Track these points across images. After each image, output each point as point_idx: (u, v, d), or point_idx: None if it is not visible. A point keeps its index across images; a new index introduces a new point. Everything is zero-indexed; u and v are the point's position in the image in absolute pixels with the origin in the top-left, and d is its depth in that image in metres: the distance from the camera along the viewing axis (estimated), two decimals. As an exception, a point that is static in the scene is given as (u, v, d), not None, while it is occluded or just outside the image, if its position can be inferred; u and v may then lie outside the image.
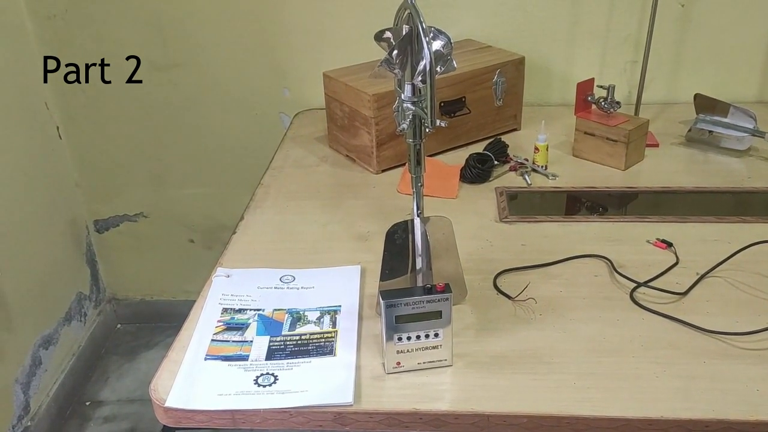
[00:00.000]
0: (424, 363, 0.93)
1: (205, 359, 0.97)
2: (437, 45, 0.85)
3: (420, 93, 0.89)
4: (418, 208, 0.97)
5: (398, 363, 0.92)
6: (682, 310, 1.02)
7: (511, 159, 1.48)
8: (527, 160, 1.47)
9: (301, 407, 0.88)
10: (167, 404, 0.89)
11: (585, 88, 1.47)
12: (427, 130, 0.89)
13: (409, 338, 0.91)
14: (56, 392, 1.85)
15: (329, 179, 1.47)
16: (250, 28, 1.77)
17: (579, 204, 1.36)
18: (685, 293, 1.06)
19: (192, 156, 1.94)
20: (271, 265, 1.17)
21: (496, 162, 1.45)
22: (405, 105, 0.90)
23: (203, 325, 1.04)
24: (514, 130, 1.64)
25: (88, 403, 1.91)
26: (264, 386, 0.91)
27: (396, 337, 0.91)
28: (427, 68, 0.83)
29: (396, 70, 0.88)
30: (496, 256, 1.17)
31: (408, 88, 0.89)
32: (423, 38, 0.82)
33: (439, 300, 0.89)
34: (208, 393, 0.91)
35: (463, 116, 1.53)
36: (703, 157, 1.49)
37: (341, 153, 1.57)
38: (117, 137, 1.92)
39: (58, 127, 1.90)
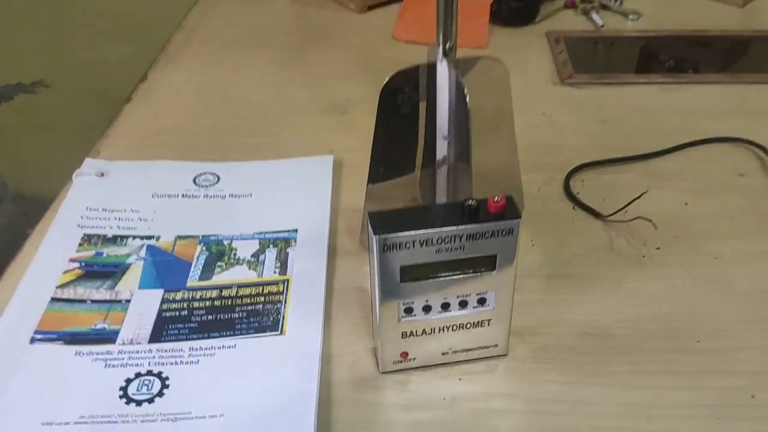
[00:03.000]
0: (454, 352, 0.47)
1: (33, 341, 0.50)
2: None
3: None
4: (446, 40, 0.47)
5: (404, 354, 0.47)
6: None
7: (567, -10, 0.97)
8: (591, -9, 0.96)
9: (205, 455, 0.43)
10: None
11: None
12: None
13: (427, 309, 0.45)
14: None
15: (289, 21, 0.96)
16: None
17: (682, 55, 0.86)
18: None
19: (107, 2, 1.39)
20: (181, 155, 0.69)
21: (545, -6, 0.94)
22: None
23: (40, 266, 0.57)
24: (564, -48, 1.11)
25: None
26: (138, 402, 0.46)
27: (402, 305, 0.44)
28: None
29: None
30: (563, 140, 0.70)
31: None
32: None
33: (493, 234, 0.42)
34: (24, 418, 0.45)
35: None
36: None
37: (307, -17, 1.04)
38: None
39: None
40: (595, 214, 0.60)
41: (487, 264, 0.43)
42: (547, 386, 0.47)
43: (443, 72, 0.48)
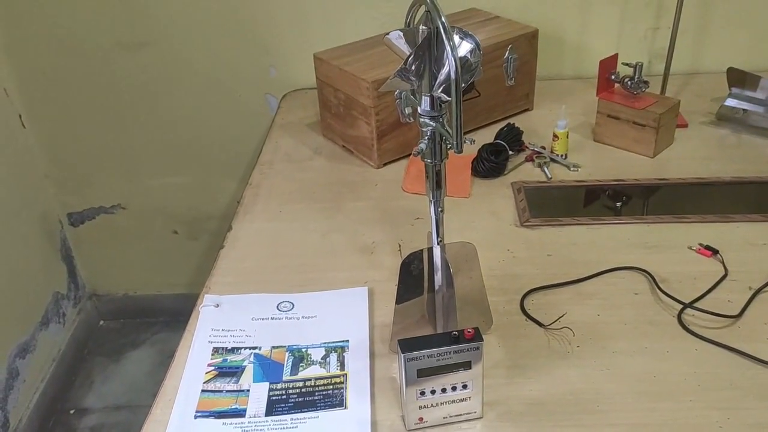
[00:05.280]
0: (450, 417, 0.80)
1: (195, 417, 0.83)
2: (463, 50, 0.70)
3: (440, 107, 0.73)
4: (438, 236, 0.82)
5: (421, 418, 0.80)
6: (738, 336, 0.90)
7: (527, 147, 1.33)
8: (544, 148, 1.32)
9: (310, 481, 0.76)
10: (153, 484, 0.76)
11: (608, 65, 1.32)
12: (451, 150, 0.74)
13: (433, 392, 0.78)
14: (37, 403, 1.72)
15: (325, 176, 1.32)
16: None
17: (606, 200, 1.22)
18: (739, 315, 0.93)
19: (170, 142, 1.77)
20: (265, 287, 1.03)
21: (510, 152, 1.30)
22: (423, 120, 0.75)
23: (191, 370, 0.90)
24: (527, 110, 1.49)
25: (72, 412, 1.79)
26: (266, 452, 0.79)
27: (418, 391, 0.78)
28: (452, 77, 0.67)
29: (412, 79, 0.72)
30: (521, 270, 1.04)
31: (426, 100, 0.73)
32: (446, 43, 0.67)
33: (468, 349, 0.76)
34: (200, 464, 0.78)
35: (472, 100, 1.37)
36: (737, 140, 1.35)
37: (337, 143, 1.41)
38: (86, 124, 1.74)
39: (20, 115, 1.72)
40: (539, 324, 0.94)
41: (465, 366, 0.77)
42: (506, 436, 0.79)
43: (437, 252, 0.83)
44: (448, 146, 0.75)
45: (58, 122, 1.74)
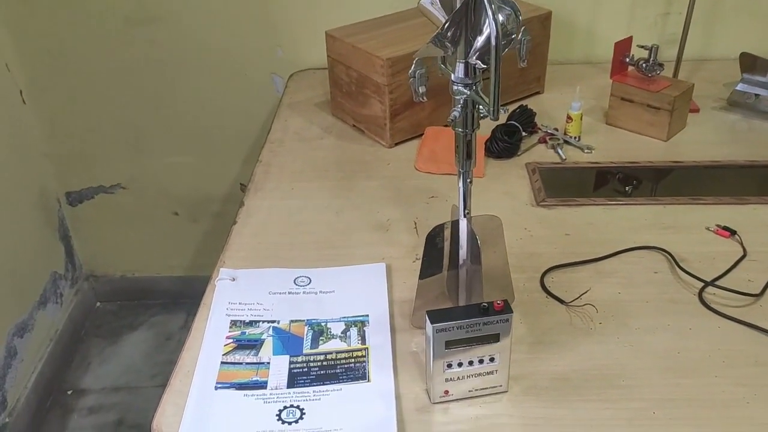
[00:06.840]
0: (476, 390, 0.79)
1: (216, 388, 0.82)
2: (500, 17, 0.68)
3: (475, 74, 0.72)
4: (465, 208, 0.81)
5: (446, 391, 0.79)
6: (761, 314, 0.90)
7: (540, 129, 1.32)
8: (557, 130, 1.31)
9: (337, 452, 0.74)
10: (176, 453, 0.74)
11: (622, 48, 1.31)
12: (487, 118, 0.73)
13: (460, 364, 0.77)
14: (35, 383, 1.70)
15: (337, 155, 1.30)
16: (236, -23, 1.56)
17: (620, 182, 1.21)
18: (761, 294, 0.93)
19: (173, 121, 1.74)
20: (281, 263, 1.02)
21: (524, 133, 1.29)
22: (456, 88, 0.73)
23: (210, 343, 0.88)
24: (537, 93, 1.48)
25: (69, 392, 1.77)
26: (289, 423, 0.77)
27: (445, 363, 0.77)
28: (493, 44, 0.66)
29: (447, 45, 0.71)
30: (539, 249, 1.03)
31: (460, 67, 0.72)
32: (487, 7, 0.65)
33: (497, 321, 0.75)
34: (224, 433, 0.76)
35: (484, 80, 1.35)
36: (748, 125, 1.35)
37: (347, 123, 1.39)
38: (88, 101, 1.71)
39: (21, 91, 1.69)
40: (561, 301, 0.93)
41: (494, 339, 0.76)
42: (532, 410, 0.78)
43: (464, 225, 0.82)
44: (481, 115, 0.74)
45: (60, 99, 1.71)
